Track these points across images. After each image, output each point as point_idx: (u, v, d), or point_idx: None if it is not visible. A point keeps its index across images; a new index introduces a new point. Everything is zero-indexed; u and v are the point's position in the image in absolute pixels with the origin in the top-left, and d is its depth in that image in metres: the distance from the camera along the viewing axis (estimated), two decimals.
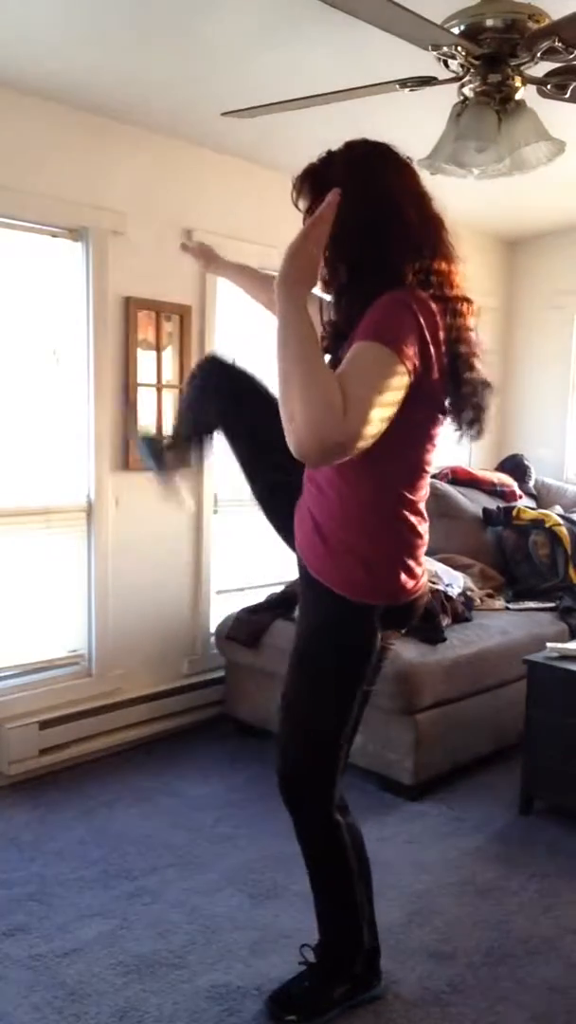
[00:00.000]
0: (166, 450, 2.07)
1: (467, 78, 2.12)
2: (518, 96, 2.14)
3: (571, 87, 2.16)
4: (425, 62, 2.12)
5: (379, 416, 1.42)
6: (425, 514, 1.78)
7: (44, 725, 3.13)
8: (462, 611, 3.48)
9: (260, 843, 2.72)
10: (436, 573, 3.58)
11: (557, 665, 2.85)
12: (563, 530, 4.08)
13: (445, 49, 2.03)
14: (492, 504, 4.37)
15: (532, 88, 2.19)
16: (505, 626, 3.50)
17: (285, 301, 1.46)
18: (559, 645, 3.00)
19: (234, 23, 2.42)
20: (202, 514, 3.68)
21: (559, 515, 4.21)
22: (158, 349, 3.46)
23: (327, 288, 1.67)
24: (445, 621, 3.33)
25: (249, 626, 3.47)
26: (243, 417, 1.90)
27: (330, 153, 1.68)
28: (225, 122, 2.64)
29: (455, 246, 1.66)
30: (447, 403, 1.66)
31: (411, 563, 1.74)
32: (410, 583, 1.75)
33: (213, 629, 3.75)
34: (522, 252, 5.12)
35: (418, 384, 1.51)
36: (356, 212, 1.56)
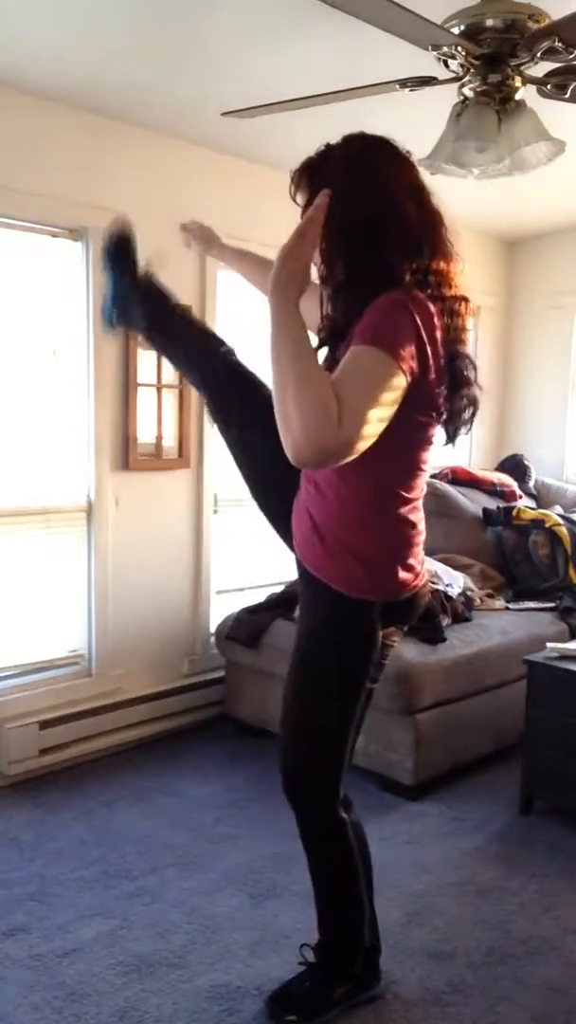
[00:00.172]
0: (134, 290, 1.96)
1: (467, 78, 2.12)
2: (518, 96, 2.14)
3: (571, 87, 2.16)
4: (425, 62, 2.12)
5: (375, 421, 1.42)
6: (422, 511, 1.78)
7: (44, 725, 3.13)
8: (462, 611, 3.48)
9: (260, 843, 2.72)
10: (436, 573, 3.58)
11: (557, 665, 2.85)
12: (563, 530, 4.08)
13: (445, 49, 2.03)
14: (492, 504, 4.37)
15: (532, 88, 2.19)
16: (505, 626, 3.50)
17: (278, 304, 1.45)
18: (559, 645, 3.00)
19: (234, 23, 2.42)
20: (202, 514, 3.68)
21: (559, 515, 4.21)
22: None
23: (325, 284, 1.67)
24: (445, 621, 3.33)
25: (249, 626, 3.47)
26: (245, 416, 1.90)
27: (328, 147, 1.66)
28: (225, 122, 2.64)
29: (453, 243, 1.65)
30: (443, 402, 1.65)
31: (410, 559, 1.75)
32: (409, 579, 1.75)
33: (213, 629, 3.75)
34: (522, 252, 5.12)
35: (415, 386, 1.51)
36: (355, 207, 1.55)
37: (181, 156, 3.44)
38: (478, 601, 3.70)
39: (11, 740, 3.05)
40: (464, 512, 4.26)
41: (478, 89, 2.12)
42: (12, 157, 2.95)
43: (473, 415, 1.71)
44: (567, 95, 2.19)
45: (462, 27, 2.03)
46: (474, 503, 4.34)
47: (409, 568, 1.74)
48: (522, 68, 2.11)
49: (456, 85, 2.16)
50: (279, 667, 2.00)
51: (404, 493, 1.70)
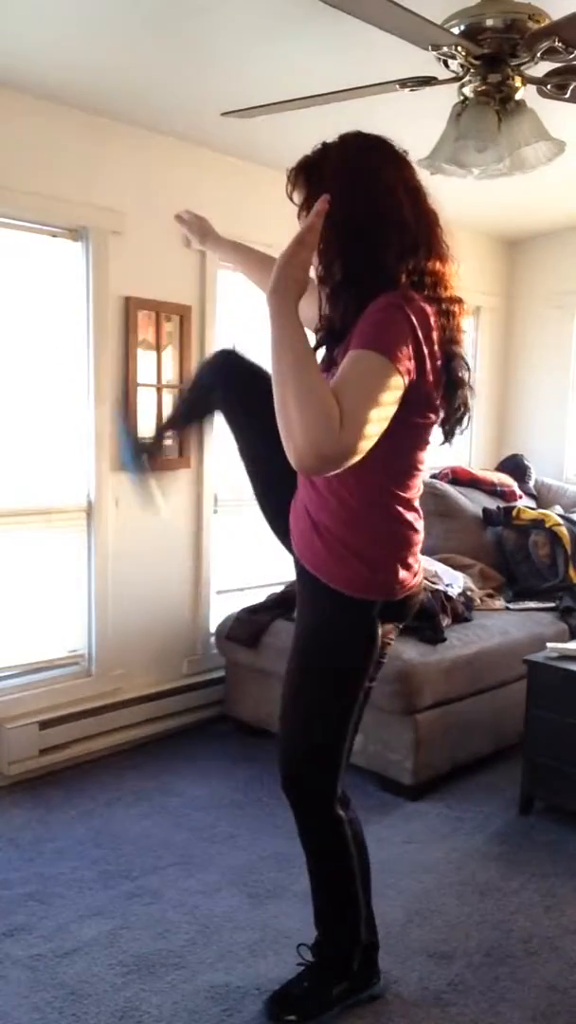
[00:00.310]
0: (145, 450, 2.07)
1: (467, 78, 2.12)
2: (518, 96, 2.14)
3: (571, 87, 2.16)
4: (425, 62, 2.12)
5: (376, 424, 1.43)
6: (420, 510, 1.78)
7: (44, 725, 3.13)
8: (462, 611, 3.48)
9: (260, 843, 2.72)
10: (436, 573, 3.58)
11: (557, 665, 2.85)
12: (563, 530, 4.07)
13: (445, 49, 2.03)
14: (492, 504, 4.37)
15: (532, 88, 2.19)
16: (505, 626, 3.50)
17: (278, 312, 1.45)
18: (559, 645, 3.00)
19: (234, 23, 2.42)
20: (202, 514, 3.69)
21: (559, 515, 4.20)
22: (158, 349, 3.46)
23: (322, 284, 1.67)
24: (445, 621, 3.33)
25: (249, 626, 3.47)
26: (246, 408, 1.90)
27: (325, 145, 1.66)
28: (225, 122, 2.64)
29: (449, 244, 1.65)
30: (440, 403, 1.66)
31: (409, 559, 1.75)
32: (408, 578, 1.75)
33: (213, 629, 3.75)
34: (522, 252, 5.12)
35: (413, 388, 1.51)
36: (351, 207, 1.55)
37: (180, 156, 3.44)
38: (478, 601, 3.70)
39: (11, 740, 3.05)
40: (464, 512, 4.25)
41: (478, 89, 2.12)
42: (12, 157, 2.95)
43: (465, 416, 1.72)
44: (567, 95, 2.19)
45: (462, 27, 2.03)
46: (474, 503, 4.34)
47: (408, 567, 1.75)
48: (522, 68, 2.11)
49: (456, 85, 2.16)
50: (279, 667, 2.00)
51: (402, 493, 1.71)
